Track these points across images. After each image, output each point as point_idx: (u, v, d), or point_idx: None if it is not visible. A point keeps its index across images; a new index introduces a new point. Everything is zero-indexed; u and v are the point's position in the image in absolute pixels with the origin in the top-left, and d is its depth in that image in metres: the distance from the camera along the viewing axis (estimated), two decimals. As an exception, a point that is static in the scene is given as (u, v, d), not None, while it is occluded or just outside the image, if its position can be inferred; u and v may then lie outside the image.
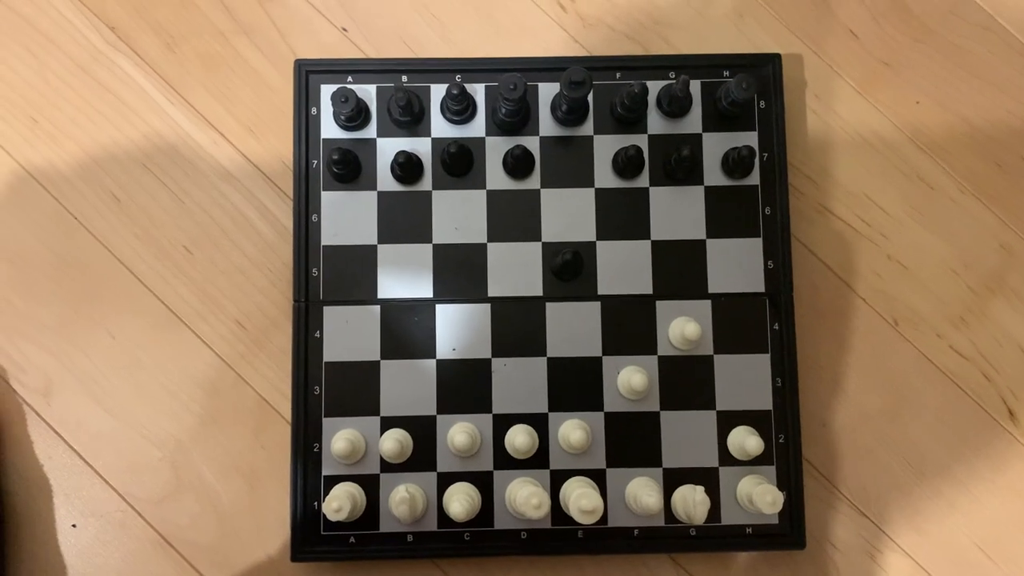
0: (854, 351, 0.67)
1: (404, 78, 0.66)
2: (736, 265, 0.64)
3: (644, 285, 0.64)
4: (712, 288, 0.64)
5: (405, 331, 0.63)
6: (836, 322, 0.67)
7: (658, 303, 0.64)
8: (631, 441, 0.63)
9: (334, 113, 0.65)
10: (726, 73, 0.66)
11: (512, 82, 0.61)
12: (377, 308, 0.64)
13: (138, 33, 0.68)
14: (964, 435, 0.66)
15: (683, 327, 0.61)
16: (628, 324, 0.64)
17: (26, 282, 0.66)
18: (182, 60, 0.68)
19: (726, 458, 0.63)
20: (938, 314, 0.67)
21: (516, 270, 0.64)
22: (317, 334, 0.63)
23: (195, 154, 0.67)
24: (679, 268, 0.64)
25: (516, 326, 0.64)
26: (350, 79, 0.66)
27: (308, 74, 0.66)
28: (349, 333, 0.63)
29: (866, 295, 0.67)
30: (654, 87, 0.66)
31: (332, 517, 0.57)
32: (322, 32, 0.69)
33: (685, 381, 0.63)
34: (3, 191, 0.67)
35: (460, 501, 0.59)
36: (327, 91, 0.66)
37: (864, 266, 0.68)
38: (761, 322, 0.64)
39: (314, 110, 0.66)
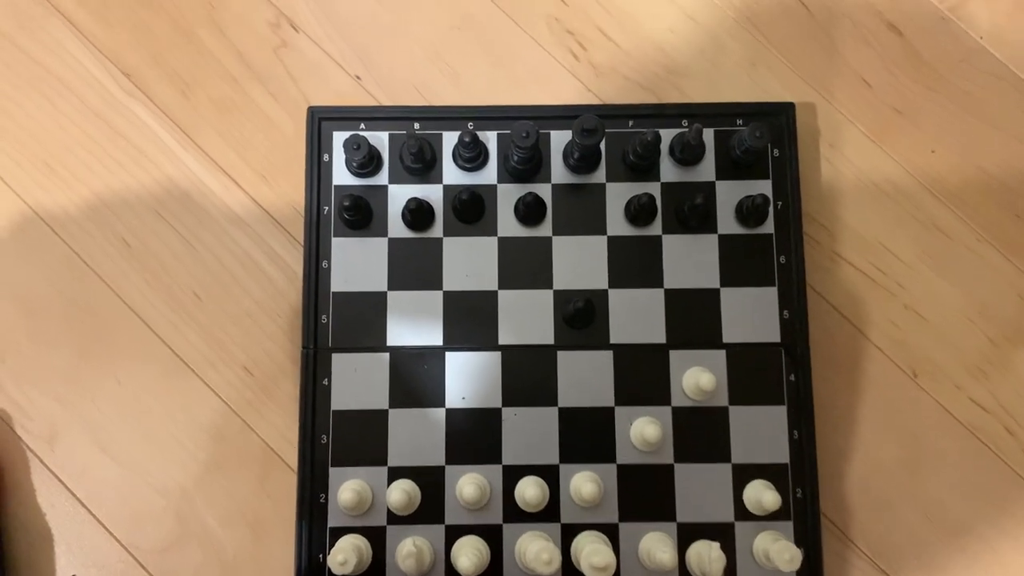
0: (871, 402, 0.66)
1: (416, 125, 0.66)
2: (751, 314, 0.63)
3: (657, 334, 0.63)
4: (727, 338, 0.63)
5: (414, 379, 0.63)
6: (853, 373, 0.66)
7: (672, 352, 0.63)
8: (644, 494, 0.61)
9: (346, 160, 0.65)
10: (739, 121, 0.66)
11: (524, 130, 0.61)
12: (386, 356, 0.63)
13: (153, 80, 0.69)
14: (986, 489, 0.65)
15: (698, 378, 0.60)
16: (641, 374, 0.63)
17: (35, 326, 0.66)
18: (196, 106, 0.68)
19: (742, 513, 0.61)
20: (957, 365, 0.66)
21: (527, 318, 0.64)
22: (325, 381, 0.62)
23: (207, 199, 0.67)
24: (693, 317, 0.63)
25: (527, 375, 0.63)
26: (363, 126, 0.66)
27: (321, 121, 0.66)
28: (357, 381, 0.62)
29: (883, 345, 0.66)
30: (667, 135, 0.66)
31: (337, 571, 0.56)
32: (335, 79, 0.69)
33: (700, 433, 0.62)
34: (15, 235, 0.67)
35: (469, 555, 0.57)
36: (339, 138, 0.66)
37: (881, 316, 0.66)
38: (777, 373, 0.63)
39: (326, 156, 0.66)
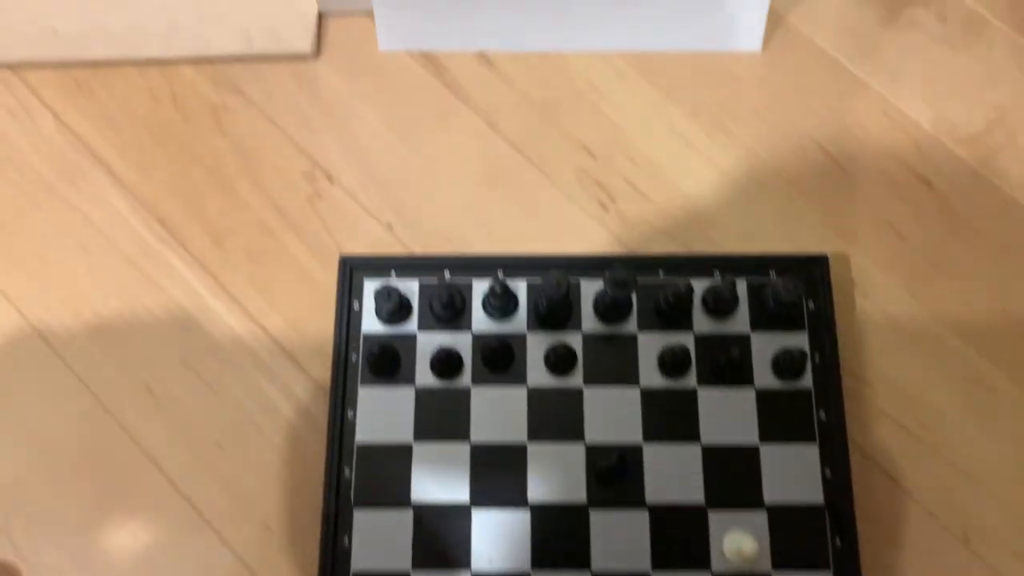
0: (922, 569, 0.61)
1: (447, 273, 0.66)
2: (792, 473, 0.61)
3: (695, 493, 0.60)
4: (768, 498, 0.60)
5: (439, 539, 0.60)
6: (901, 537, 0.62)
7: (711, 513, 0.60)
8: (684, 671, 0.57)
9: (376, 308, 0.64)
10: (772, 273, 0.66)
11: (556, 280, 0.61)
12: (410, 513, 0.60)
13: (187, 228, 0.70)
14: (1056, 671, 0.60)
15: (740, 543, 0.57)
16: (679, 536, 0.59)
17: (51, 473, 0.64)
18: (229, 255, 0.69)
19: None
20: (1013, 530, 0.62)
21: (558, 473, 0.61)
22: (346, 541, 0.59)
23: (234, 347, 0.66)
24: (732, 475, 0.61)
25: (558, 536, 0.60)
26: (393, 273, 0.66)
27: (352, 270, 0.66)
28: (380, 540, 0.60)
29: (932, 508, 0.63)
30: (698, 285, 0.65)
31: None
32: (368, 228, 0.70)
33: (742, 603, 0.58)
34: (38, 378, 0.66)
35: None
36: (370, 286, 0.66)
37: (928, 476, 0.63)
38: (821, 536, 0.59)
39: (356, 305, 0.65)
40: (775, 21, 0.74)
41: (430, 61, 0.75)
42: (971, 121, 0.73)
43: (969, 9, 0.76)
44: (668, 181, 0.71)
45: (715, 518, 0.60)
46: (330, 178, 0.71)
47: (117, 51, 0.74)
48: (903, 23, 0.75)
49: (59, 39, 0.74)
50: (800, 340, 0.64)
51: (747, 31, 0.73)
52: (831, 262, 0.66)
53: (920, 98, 0.73)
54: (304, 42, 0.74)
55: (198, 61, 0.74)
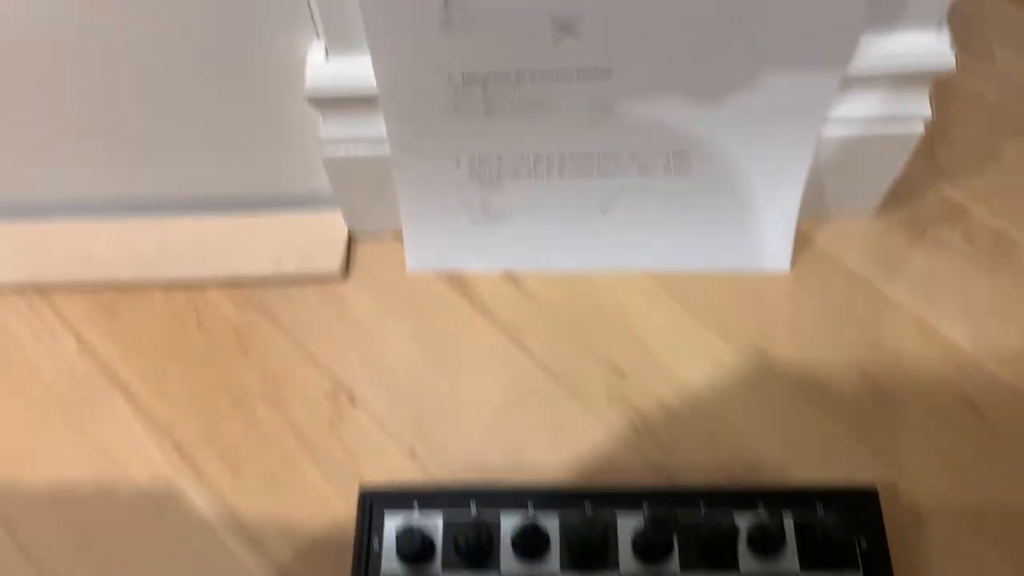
0: None
1: (473, 506, 0.63)
2: None
3: None
4: None
5: None
6: None
7: None
8: None
9: (397, 548, 0.60)
10: (819, 506, 0.62)
11: (590, 519, 0.58)
12: None
13: (204, 455, 0.67)
14: None
15: None
16: None
17: None
18: (245, 484, 0.66)
19: None
20: None
21: None
22: None
23: (246, 590, 0.62)
24: None
25: None
26: (416, 506, 0.63)
27: (372, 504, 0.63)
28: None
29: None
30: (742, 518, 0.61)
31: None
32: (390, 454, 0.67)
33: None
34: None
35: None
36: (391, 522, 0.62)
37: None
38: None
39: (376, 544, 0.61)
40: (803, 242, 0.75)
41: (457, 281, 0.75)
42: (1009, 340, 0.71)
43: (993, 227, 0.76)
44: (702, 403, 0.69)
45: None
46: (352, 400, 0.69)
47: (145, 273, 0.74)
48: (929, 243, 0.75)
49: (90, 261, 0.75)
50: (855, 582, 0.60)
51: (775, 252, 0.74)
52: (880, 492, 0.63)
53: (956, 318, 0.72)
54: (333, 263, 0.74)
55: (225, 283, 0.74)
